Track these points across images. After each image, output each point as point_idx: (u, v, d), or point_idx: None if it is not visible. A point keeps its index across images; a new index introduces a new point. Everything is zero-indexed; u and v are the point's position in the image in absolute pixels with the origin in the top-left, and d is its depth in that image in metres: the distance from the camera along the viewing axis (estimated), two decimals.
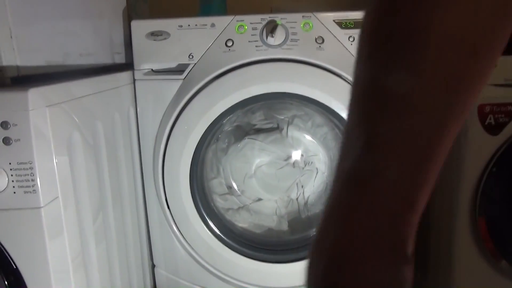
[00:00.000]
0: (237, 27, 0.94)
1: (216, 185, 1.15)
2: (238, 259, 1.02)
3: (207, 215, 1.01)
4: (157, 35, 0.94)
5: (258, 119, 1.15)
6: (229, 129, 1.14)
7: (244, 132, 1.15)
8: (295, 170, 1.15)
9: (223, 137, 1.15)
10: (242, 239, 1.05)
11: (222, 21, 0.94)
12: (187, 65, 0.95)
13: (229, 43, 0.93)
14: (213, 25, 0.94)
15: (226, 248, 1.01)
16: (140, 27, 0.95)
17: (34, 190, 0.61)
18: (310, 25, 0.93)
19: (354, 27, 0.93)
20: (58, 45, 0.81)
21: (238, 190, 1.18)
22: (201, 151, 0.98)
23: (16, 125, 0.60)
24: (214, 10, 1.25)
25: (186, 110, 0.93)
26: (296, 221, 1.15)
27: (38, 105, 0.62)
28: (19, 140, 0.60)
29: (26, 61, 0.71)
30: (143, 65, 0.97)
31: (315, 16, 0.93)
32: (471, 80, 0.27)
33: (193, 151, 0.95)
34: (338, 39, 0.93)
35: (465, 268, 1.03)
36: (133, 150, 1.01)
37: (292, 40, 0.93)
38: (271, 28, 0.92)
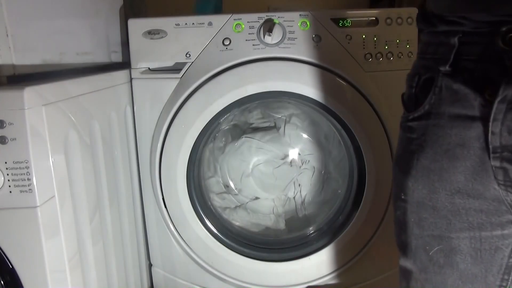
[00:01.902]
0: (234, 25, 0.93)
1: (213, 184, 1.15)
2: (235, 258, 1.02)
3: (204, 214, 1.01)
4: (154, 34, 0.94)
5: (255, 117, 1.15)
6: (226, 128, 1.14)
7: (241, 131, 1.15)
8: (292, 168, 1.15)
9: (220, 136, 1.14)
10: (239, 238, 1.05)
11: (219, 20, 0.94)
12: (184, 64, 0.95)
13: (226, 42, 0.93)
14: (210, 23, 0.93)
15: (223, 247, 1.01)
16: (137, 26, 0.95)
17: (30, 189, 0.61)
18: (307, 23, 0.93)
19: (351, 26, 0.93)
20: (55, 44, 0.81)
21: (235, 189, 1.18)
22: (198, 150, 0.98)
23: (12, 124, 0.59)
24: (210, 9, 1.25)
25: (183, 109, 0.93)
26: (293, 220, 1.16)
27: (34, 104, 0.61)
28: (15, 139, 0.60)
29: (22, 60, 0.70)
30: (140, 63, 0.96)
31: (312, 14, 0.93)
32: None
33: (190, 150, 0.95)
34: (335, 38, 0.93)
35: None
36: (130, 149, 1.00)
37: (289, 38, 0.93)
38: (269, 26, 0.92)
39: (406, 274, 0.59)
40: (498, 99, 0.45)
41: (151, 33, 0.94)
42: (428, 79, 0.53)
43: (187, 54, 0.94)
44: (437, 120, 0.51)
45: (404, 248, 0.58)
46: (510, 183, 0.47)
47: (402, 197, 0.56)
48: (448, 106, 0.50)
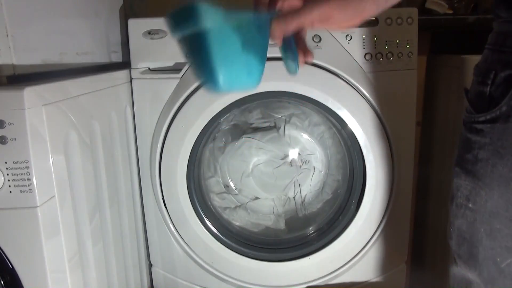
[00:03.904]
0: None
1: (213, 184, 1.15)
2: (235, 258, 1.02)
3: (204, 214, 1.01)
4: (154, 34, 0.94)
5: (255, 118, 1.15)
6: (226, 128, 1.14)
7: (241, 131, 1.15)
8: (292, 168, 1.15)
9: (220, 136, 1.14)
10: (239, 238, 1.05)
11: None
12: (184, 64, 0.95)
13: None
14: None
15: (223, 247, 1.01)
16: (137, 26, 0.95)
17: (30, 189, 0.61)
18: None
19: None
20: (55, 44, 0.81)
21: (235, 189, 1.18)
22: (198, 150, 0.98)
23: (12, 124, 0.59)
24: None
25: (183, 109, 0.93)
26: (293, 220, 1.16)
27: (34, 104, 0.61)
28: (15, 139, 0.60)
29: (22, 60, 0.70)
30: (140, 63, 0.96)
31: None
32: None
33: (190, 150, 0.95)
34: (335, 38, 0.93)
35: None
36: (130, 149, 1.00)
37: None
38: None
39: (464, 284, 0.56)
40: None
41: (151, 33, 0.94)
42: (509, 77, 0.47)
43: None
44: None
45: (466, 258, 0.54)
46: None
47: (470, 205, 0.52)
48: None
